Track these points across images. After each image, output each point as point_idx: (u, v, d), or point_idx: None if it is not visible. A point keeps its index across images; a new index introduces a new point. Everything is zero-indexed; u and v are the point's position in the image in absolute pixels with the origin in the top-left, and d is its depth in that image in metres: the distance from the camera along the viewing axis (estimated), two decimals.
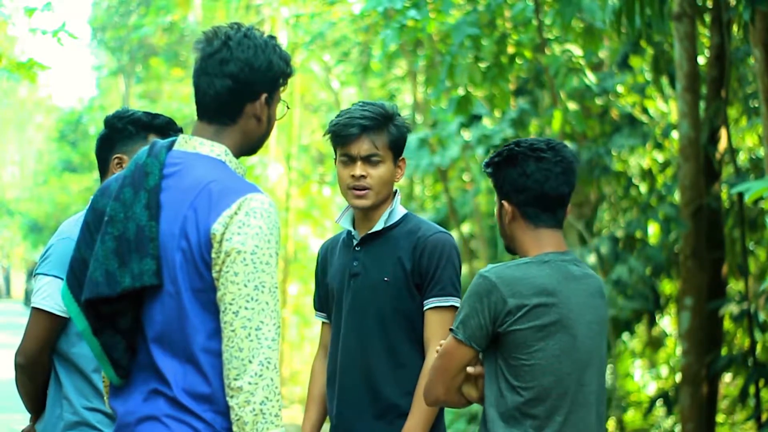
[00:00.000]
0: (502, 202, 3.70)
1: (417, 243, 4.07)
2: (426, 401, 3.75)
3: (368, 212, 4.16)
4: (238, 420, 2.94)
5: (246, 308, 2.94)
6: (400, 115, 4.20)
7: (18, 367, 3.93)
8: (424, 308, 4.06)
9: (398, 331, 4.07)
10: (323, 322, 4.37)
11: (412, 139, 13.32)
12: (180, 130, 4.12)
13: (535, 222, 3.68)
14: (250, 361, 2.92)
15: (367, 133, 4.09)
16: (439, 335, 4.00)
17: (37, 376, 3.95)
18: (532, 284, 3.56)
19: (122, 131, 4.08)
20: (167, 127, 4.11)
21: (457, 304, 4.04)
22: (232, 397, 2.94)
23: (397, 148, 4.15)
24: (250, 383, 2.92)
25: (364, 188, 4.10)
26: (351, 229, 4.22)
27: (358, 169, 4.09)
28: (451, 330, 3.59)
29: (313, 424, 4.30)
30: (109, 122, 4.12)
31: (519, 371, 3.56)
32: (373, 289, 4.09)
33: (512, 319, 3.53)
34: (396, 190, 4.21)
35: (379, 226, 4.13)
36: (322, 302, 4.33)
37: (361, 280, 4.12)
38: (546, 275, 3.59)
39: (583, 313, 3.64)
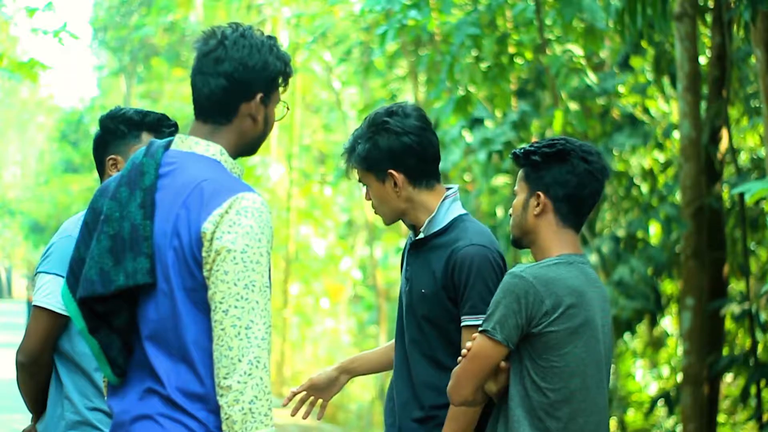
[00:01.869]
0: (538, 193, 3.67)
1: (450, 256, 3.90)
2: (453, 403, 3.70)
3: (407, 221, 4.05)
4: (227, 419, 2.93)
5: (235, 307, 2.94)
6: (372, 128, 3.95)
7: (19, 365, 3.92)
8: (461, 324, 3.91)
9: (435, 342, 3.96)
10: None
11: None
12: (174, 125, 4.11)
13: (564, 221, 3.68)
14: (239, 360, 2.92)
15: (349, 164, 4.05)
16: None
17: (38, 374, 3.93)
18: (566, 285, 3.56)
19: (115, 131, 4.05)
20: (159, 124, 4.07)
21: None
22: (221, 396, 2.94)
23: (371, 166, 3.96)
24: (239, 382, 2.92)
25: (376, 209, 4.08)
26: (411, 230, 4.13)
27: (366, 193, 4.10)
28: (484, 331, 3.55)
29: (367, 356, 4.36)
30: (102, 123, 4.09)
31: (548, 372, 3.55)
32: (414, 298, 3.99)
33: (548, 320, 3.52)
34: (446, 196, 4.01)
35: (421, 235, 4.00)
36: None
37: (411, 286, 4.02)
38: (574, 276, 3.60)
39: (600, 317, 3.66)
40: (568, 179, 3.66)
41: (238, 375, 2.92)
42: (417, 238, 4.01)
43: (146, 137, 4.00)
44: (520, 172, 3.76)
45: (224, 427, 2.95)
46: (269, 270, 3.03)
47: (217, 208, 2.97)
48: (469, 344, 3.61)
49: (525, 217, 3.70)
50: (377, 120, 3.95)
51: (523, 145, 3.81)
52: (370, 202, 4.07)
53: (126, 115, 4.06)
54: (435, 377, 3.96)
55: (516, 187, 3.77)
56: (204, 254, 2.96)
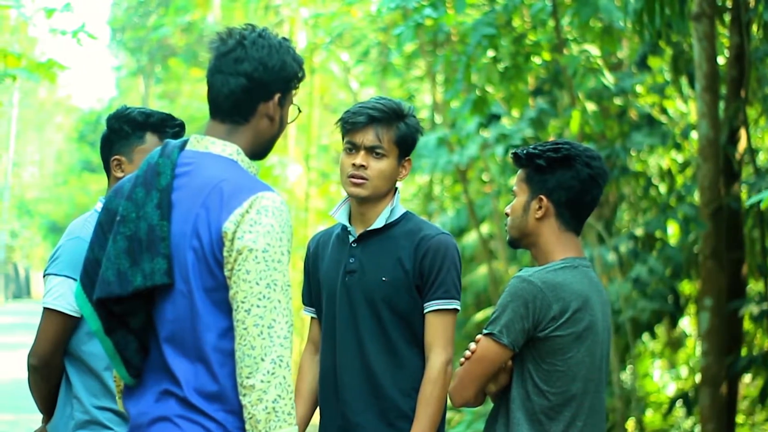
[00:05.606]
0: (541, 196, 3.68)
1: (419, 244, 3.99)
2: (455, 404, 3.73)
3: (365, 208, 4.07)
4: (251, 418, 2.93)
5: (258, 306, 2.94)
6: (415, 117, 4.12)
7: (31, 368, 3.91)
8: (425, 310, 3.98)
9: (396, 331, 4.00)
10: (312, 317, 4.25)
11: (430, 139, 13.33)
12: (179, 125, 4.10)
13: (566, 225, 3.70)
14: (262, 359, 2.92)
15: (375, 125, 4.02)
16: (441, 338, 3.95)
17: (50, 377, 3.93)
18: (572, 290, 3.57)
19: (119, 131, 4.03)
20: (163, 125, 4.05)
21: (458, 307, 4.01)
22: (244, 395, 2.94)
23: (404, 145, 4.06)
24: (262, 381, 2.92)
25: (363, 178, 4.02)
26: (347, 224, 4.12)
27: (360, 158, 4.02)
28: (491, 334, 3.56)
29: (302, 420, 4.18)
30: (108, 122, 4.08)
31: (551, 376, 3.56)
32: (370, 287, 4.00)
33: (555, 324, 3.54)
34: (396, 188, 4.13)
35: (379, 224, 4.05)
36: (312, 297, 4.23)
37: (358, 278, 4.03)
38: (579, 281, 3.61)
39: (602, 320, 3.66)
40: (572, 185, 3.67)
41: (262, 374, 2.92)
42: (374, 227, 4.05)
43: (150, 138, 4.00)
44: (521, 173, 3.77)
45: (248, 427, 2.95)
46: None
47: (237, 207, 2.97)
48: (473, 346, 3.62)
49: (525, 220, 3.72)
50: (404, 108, 4.10)
51: (524, 146, 3.81)
52: (361, 167, 4.03)
53: (130, 115, 4.05)
54: (394, 369, 4.00)
55: (515, 188, 3.77)
56: (225, 254, 2.97)
